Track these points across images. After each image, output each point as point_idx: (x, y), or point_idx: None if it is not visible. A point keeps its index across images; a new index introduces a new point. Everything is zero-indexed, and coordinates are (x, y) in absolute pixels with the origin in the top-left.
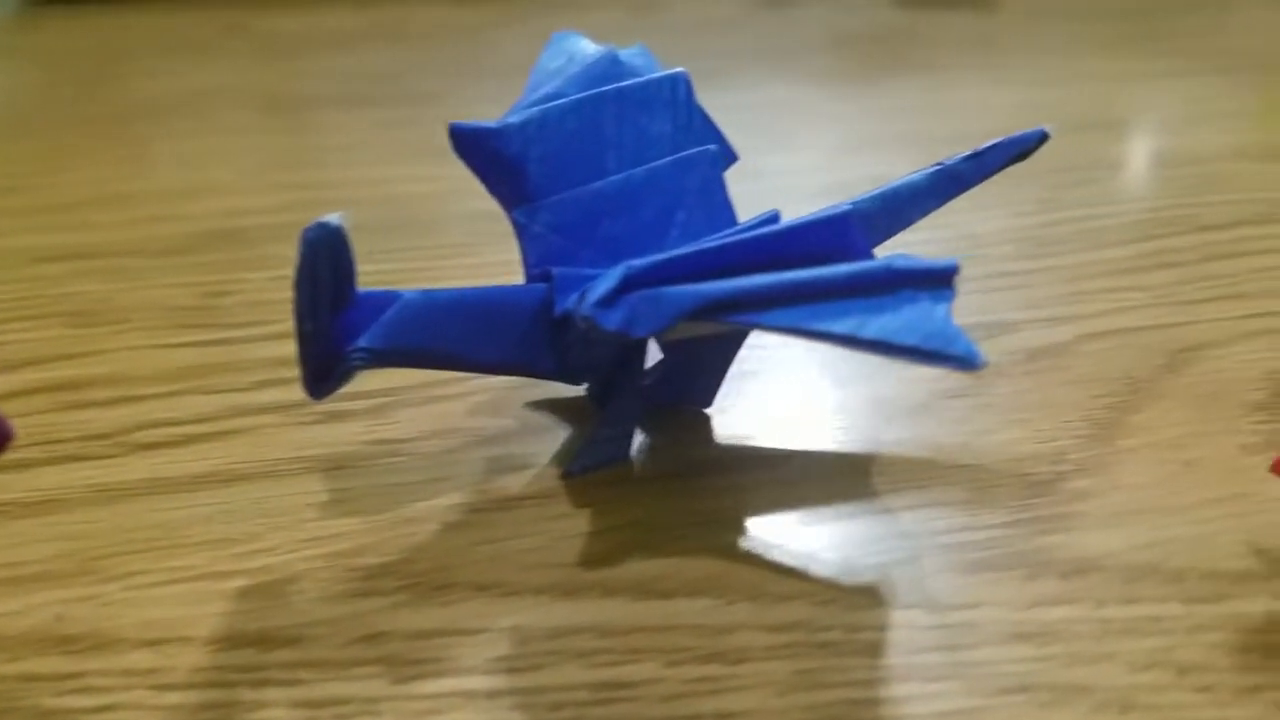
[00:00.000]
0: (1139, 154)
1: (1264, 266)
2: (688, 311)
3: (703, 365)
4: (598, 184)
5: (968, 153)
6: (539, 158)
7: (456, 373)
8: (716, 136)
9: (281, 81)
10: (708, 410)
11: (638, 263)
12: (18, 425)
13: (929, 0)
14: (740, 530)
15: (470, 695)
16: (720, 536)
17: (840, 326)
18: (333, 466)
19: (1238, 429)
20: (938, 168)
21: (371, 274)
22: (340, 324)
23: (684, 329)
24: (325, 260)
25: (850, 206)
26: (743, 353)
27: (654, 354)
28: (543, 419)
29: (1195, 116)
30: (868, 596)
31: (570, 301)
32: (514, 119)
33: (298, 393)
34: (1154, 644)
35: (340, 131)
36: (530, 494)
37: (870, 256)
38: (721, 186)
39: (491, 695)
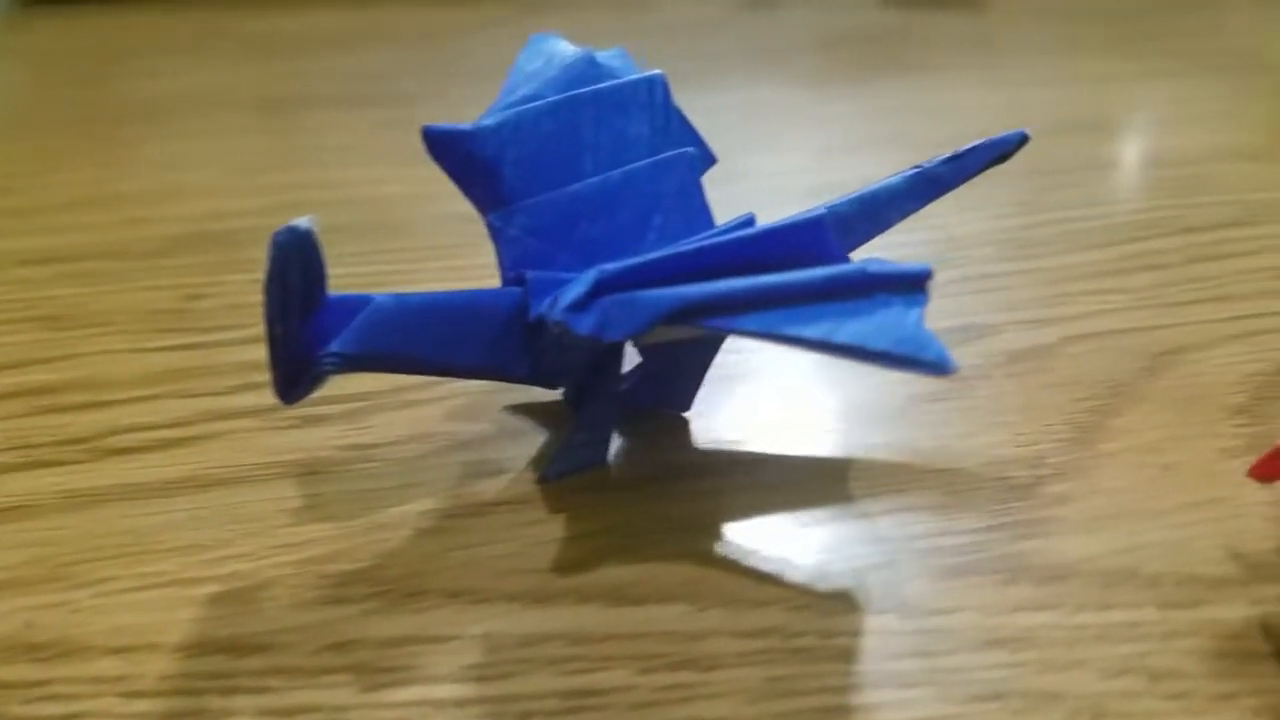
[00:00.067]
0: (1124, 155)
1: (1247, 269)
2: (660, 316)
3: (680, 369)
4: (574, 187)
5: (947, 155)
6: (514, 160)
7: (431, 377)
8: (694, 139)
9: (268, 83)
10: (685, 414)
11: (610, 267)
12: None
13: (917, 1)
14: (716, 535)
15: (439, 704)
16: (696, 542)
17: (813, 331)
18: (306, 471)
19: (1218, 432)
20: (916, 170)
21: (351, 276)
22: (312, 328)
23: (659, 333)
24: (295, 264)
25: (825, 210)
26: (721, 356)
27: (631, 358)
28: (519, 423)
29: (1182, 117)
30: (842, 602)
31: (544, 305)
32: (489, 121)
33: (273, 397)
34: (1128, 650)
35: (324, 133)
36: (505, 499)
37: (846, 260)
38: (699, 189)
39: (461, 704)
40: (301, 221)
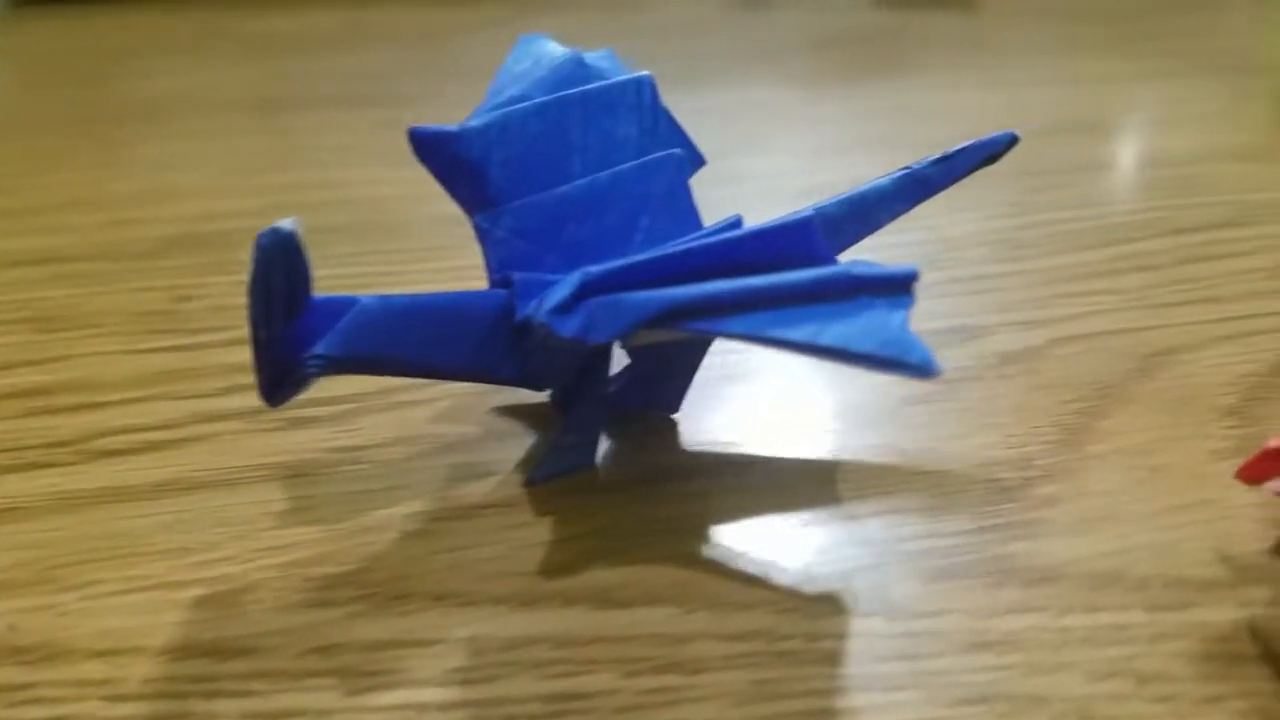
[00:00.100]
0: (1118, 156)
1: (1238, 269)
2: (645, 318)
3: (669, 371)
4: (562, 188)
5: (936, 156)
6: (501, 162)
7: (419, 379)
8: (683, 140)
9: (263, 83)
10: (674, 416)
11: (595, 269)
12: None
13: (910, 1)
14: (703, 538)
15: (423, 708)
16: (683, 544)
17: (798, 333)
18: (294, 474)
19: (1207, 434)
20: (905, 172)
21: (345, 277)
22: (297, 330)
23: (645, 335)
24: (279, 266)
25: (811, 212)
26: (709, 358)
27: (620, 359)
28: (507, 425)
29: (1177, 118)
30: (829, 605)
31: (530, 307)
32: (475, 122)
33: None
34: (1115, 653)
35: (319, 133)
36: (492, 502)
37: (833, 262)
38: (687, 191)
39: (444, 708)
40: (285, 223)
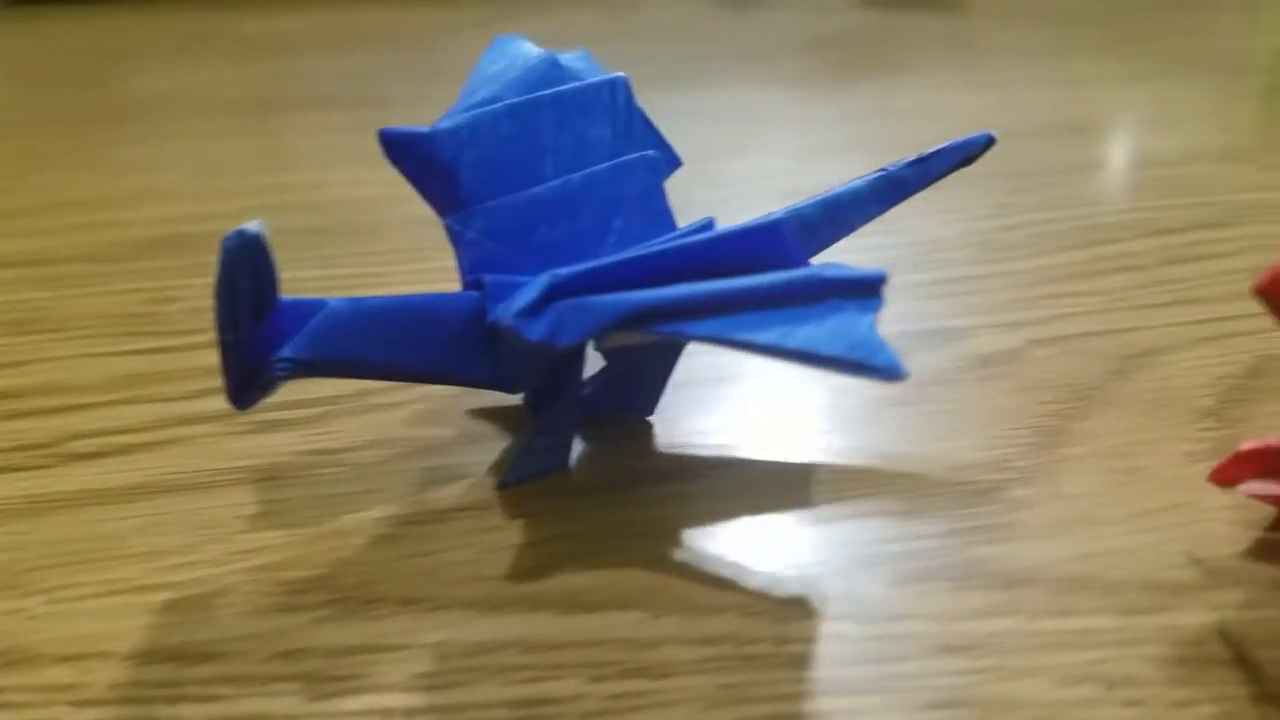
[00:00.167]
0: (1104, 156)
1: (1219, 270)
2: (611, 321)
3: (644, 373)
4: (534, 190)
5: (912, 158)
6: (472, 163)
7: (395, 382)
8: (658, 142)
9: (248, 85)
10: (649, 418)
11: (563, 271)
12: None
13: (900, 2)
14: (676, 541)
15: (388, 713)
16: (655, 547)
17: (765, 336)
18: (267, 477)
19: (1184, 436)
20: (881, 173)
21: (324, 278)
22: (264, 333)
23: (616, 338)
24: (245, 269)
25: (784, 214)
26: (685, 360)
27: (595, 361)
28: (482, 428)
29: (1165, 119)
30: (799, 608)
31: (499, 310)
32: (446, 124)
33: None
34: (1086, 657)
35: (304, 135)
36: (464, 505)
37: (805, 264)
38: (661, 193)
39: (410, 713)
40: (251, 225)
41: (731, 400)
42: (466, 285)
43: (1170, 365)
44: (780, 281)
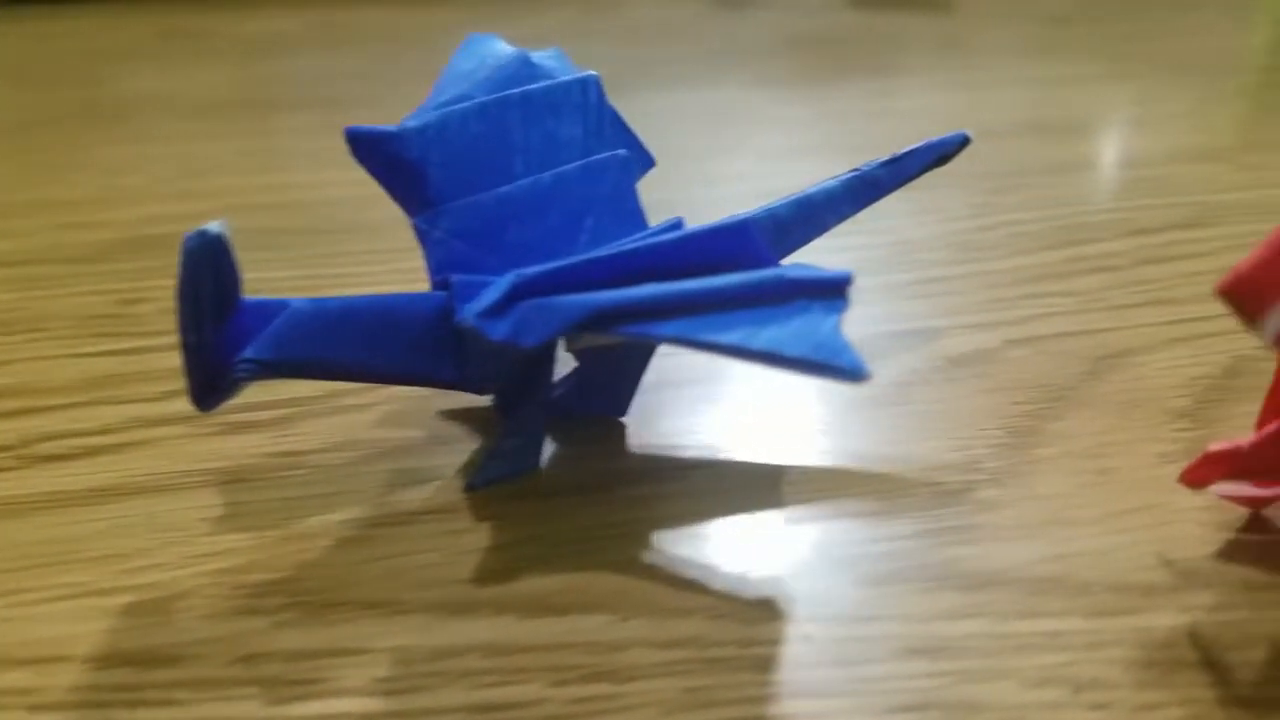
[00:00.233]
0: (1084, 157)
1: (1195, 271)
2: (574, 322)
3: (616, 373)
4: (503, 189)
5: (885, 158)
6: (440, 162)
7: (362, 383)
8: (630, 141)
9: (227, 86)
10: (622, 419)
11: (528, 271)
12: None
13: (885, 2)
14: (646, 543)
15: (345, 718)
16: (625, 550)
17: (730, 337)
18: (233, 479)
19: (1157, 437)
20: (854, 174)
21: (300, 279)
22: (228, 334)
23: (584, 339)
24: (207, 270)
25: (759, 213)
26: (658, 360)
27: (568, 362)
28: (452, 430)
29: (1146, 119)
30: (765, 610)
31: (466, 309)
32: (413, 122)
33: None
34: (1054, 660)
35: (279, 136)
36: (432, 508)
37: (774, 264)
38: (633, 192)
39: (367, 718)
40: (212, 225)
41: (705, 401)
42: (435, 285)
43: (1144, 366)
44: (746, 282)
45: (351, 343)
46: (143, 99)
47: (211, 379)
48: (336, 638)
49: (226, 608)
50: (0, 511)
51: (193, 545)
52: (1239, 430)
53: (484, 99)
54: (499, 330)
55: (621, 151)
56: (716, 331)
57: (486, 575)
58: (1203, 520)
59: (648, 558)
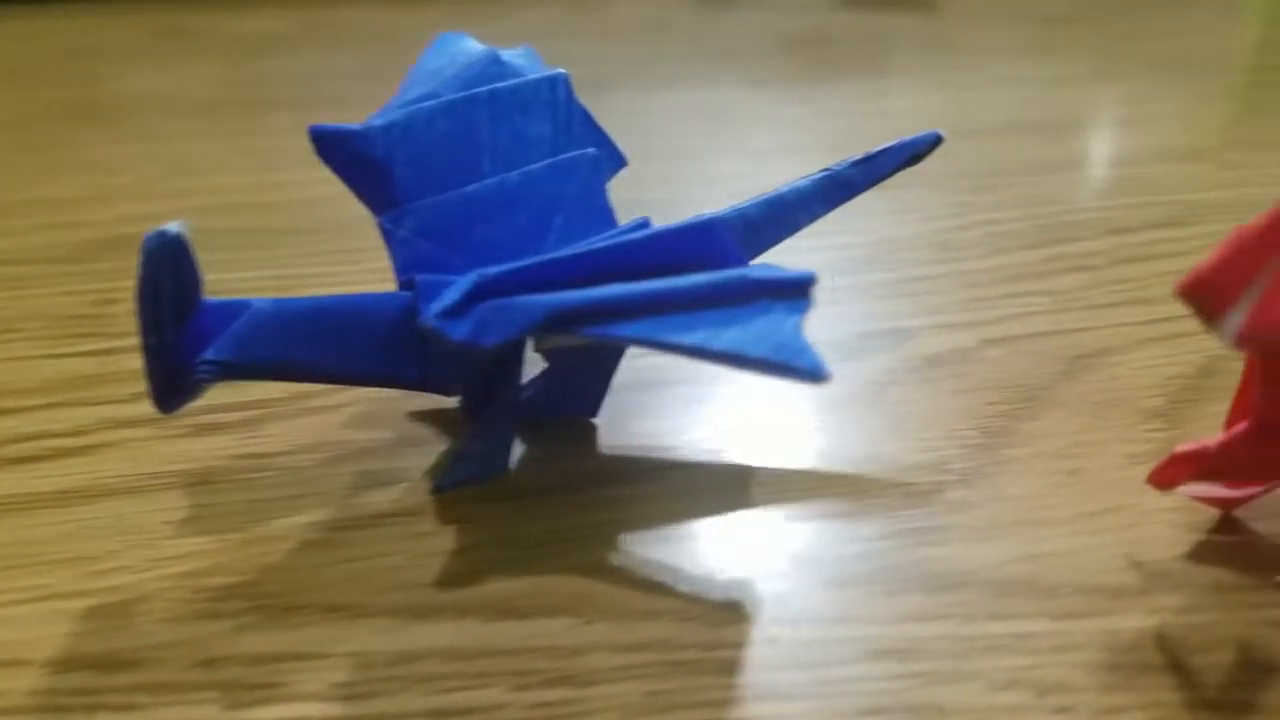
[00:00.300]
0: (1066, 156)
1: (1172, 270)
2: (536, 322)
3: (586, 374)
4: (470, 188)
5: (858, 157)
6: (406, 161)
7: (328, 385)
8: (600, 139)
9: (214, 86)
10: (593, 420)
11: (490, 270)
12: None
13: (874, 2)
14: (612, 546)
15: None
16: (591, 553)
17: (691, 338)
18: (199, 481)
19: (1129, 437)
20: (826, 173)
21: (277, 278)
22: (189, 335)
23: (549, 339)
24: (167, 271)
25: (723, 214)
26: (630, 360)
27: (538, 363)
28: (421, 431)
29: (1132, 118)
30: (730, 613)
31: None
32: (378, 120)
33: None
34: (1017, 662)
35: (264, 136)
36: (397, 510)
37: (743, 263)
38: (603, 192)
39: None
40: (172, 226)
41: (675, 403)
42: (400, 285)
43: (1120, 365)
44: (709, 282)
45: (313, 343)
46: (134, 98)
47: (173, 380)
48: (297, 641)
49: (188, 611)
50: None
51: (156, 548)
52: (1211, 430)
53: (451, 97)
54: (459, 331)
55: (591, 150)
56: (679, 332)
57: (450, 578)
58: (1173, 521)
59: (615, 560)
